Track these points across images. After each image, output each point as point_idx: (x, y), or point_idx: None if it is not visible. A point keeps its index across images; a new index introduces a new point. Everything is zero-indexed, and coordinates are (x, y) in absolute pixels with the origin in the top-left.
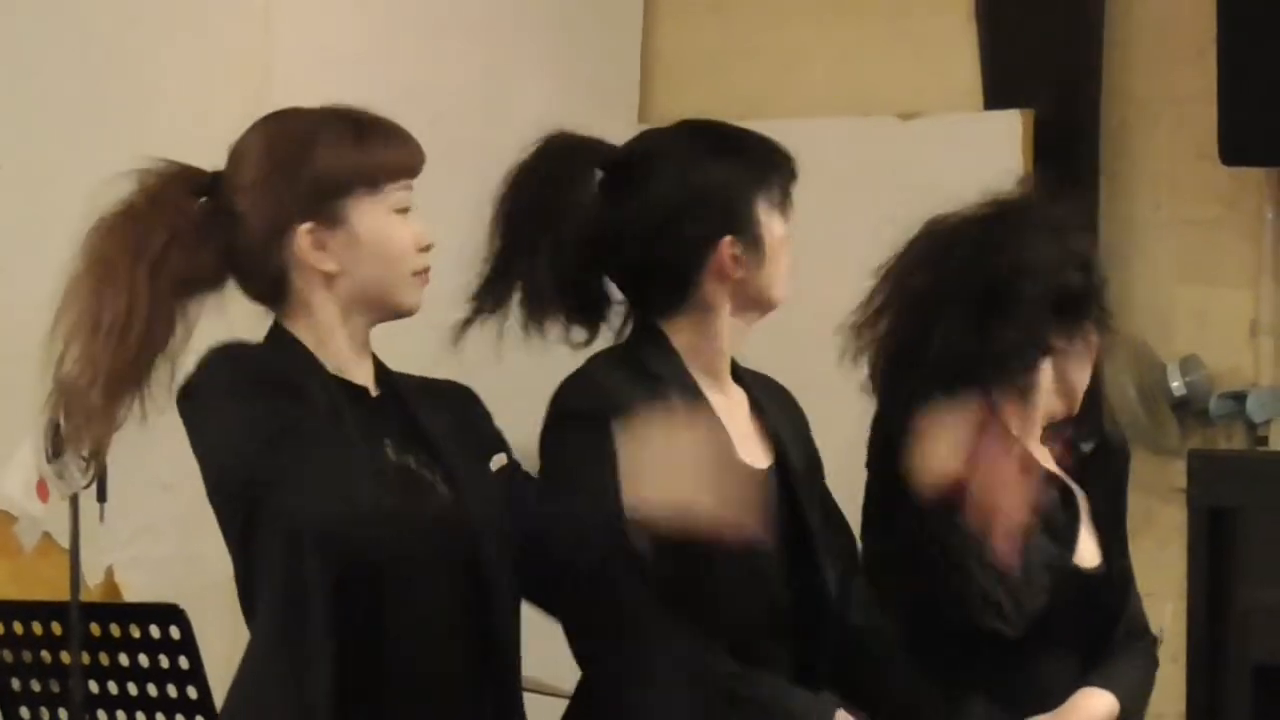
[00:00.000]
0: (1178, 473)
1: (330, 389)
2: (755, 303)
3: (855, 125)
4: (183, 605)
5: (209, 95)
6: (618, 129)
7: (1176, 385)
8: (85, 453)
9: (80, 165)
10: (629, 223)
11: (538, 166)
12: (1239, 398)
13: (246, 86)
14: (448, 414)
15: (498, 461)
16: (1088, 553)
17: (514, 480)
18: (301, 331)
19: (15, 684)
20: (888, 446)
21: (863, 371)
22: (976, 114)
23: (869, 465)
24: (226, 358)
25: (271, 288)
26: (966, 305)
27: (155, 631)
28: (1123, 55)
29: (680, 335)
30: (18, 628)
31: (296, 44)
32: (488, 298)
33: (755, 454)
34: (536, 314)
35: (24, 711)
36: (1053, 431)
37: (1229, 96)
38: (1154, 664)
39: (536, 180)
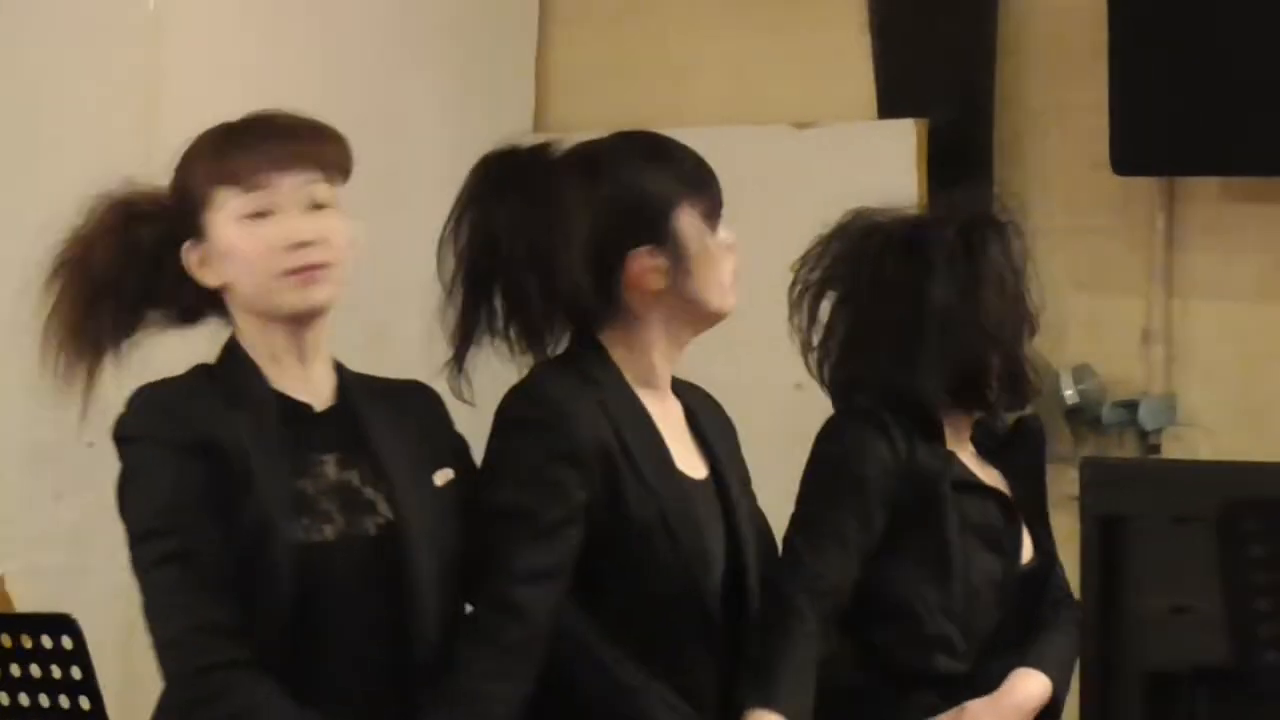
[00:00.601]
0: (1070, 481)
1: (264, 411)
2: (690, 314)
3: (750, 134)
4: (75, 615)
5: (98, 110)
6: (512, 139)
7: (1069, 394)
8: None
9: None
10: (554, 235)
11: (481, 190)
12: (1131, 406)
13: (135, 99)
14: (405, 422)
15: (443, 476)
16: (1025, 550)
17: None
18: (246, 346)
19: None
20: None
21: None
22: (871, 123)
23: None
24: (157, 407)
25: (201, 309)
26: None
27: (47, 642)
28: (1015, 65)
29: (615, 347)
30: None
31: (186, 57)
32: (472, 329)
33: (693, 464)
34: (529, 334)
35: None
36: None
37: (1120, 107)
38: (1077, 629)
39: (484, 205)
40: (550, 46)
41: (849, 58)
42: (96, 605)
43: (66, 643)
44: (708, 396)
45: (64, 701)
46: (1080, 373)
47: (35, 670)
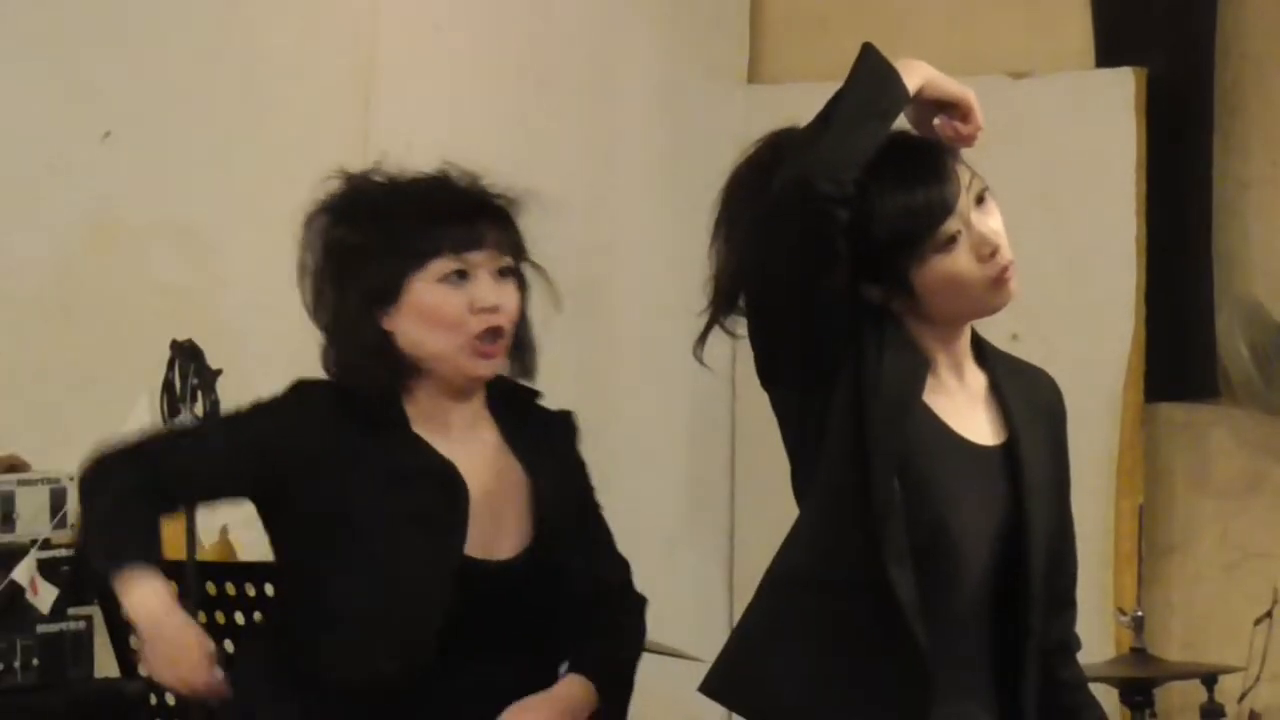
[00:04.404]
0: None
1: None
2: (970, 313)
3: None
4: None
5: (316, 67)
6: (726, 90)
7: None
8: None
9: (188, 135)
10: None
11: (765, 163)
12: None
13: (353, 55)
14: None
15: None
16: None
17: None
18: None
19: (134, 641)
20: None
21: None
22: (1089, 72)
23: None
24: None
25: None
26: None
27: (270, 589)
28: (1236, 12)
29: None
30: None
31: (403, 7)
32: (725, 303)
33: (982, 433)
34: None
35: (142, 669)
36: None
37: None
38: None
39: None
40: None
41: (1067, 6)
42: None
43: None
44: (1032, 373)
45: None
46: None
47: (259, 618)
